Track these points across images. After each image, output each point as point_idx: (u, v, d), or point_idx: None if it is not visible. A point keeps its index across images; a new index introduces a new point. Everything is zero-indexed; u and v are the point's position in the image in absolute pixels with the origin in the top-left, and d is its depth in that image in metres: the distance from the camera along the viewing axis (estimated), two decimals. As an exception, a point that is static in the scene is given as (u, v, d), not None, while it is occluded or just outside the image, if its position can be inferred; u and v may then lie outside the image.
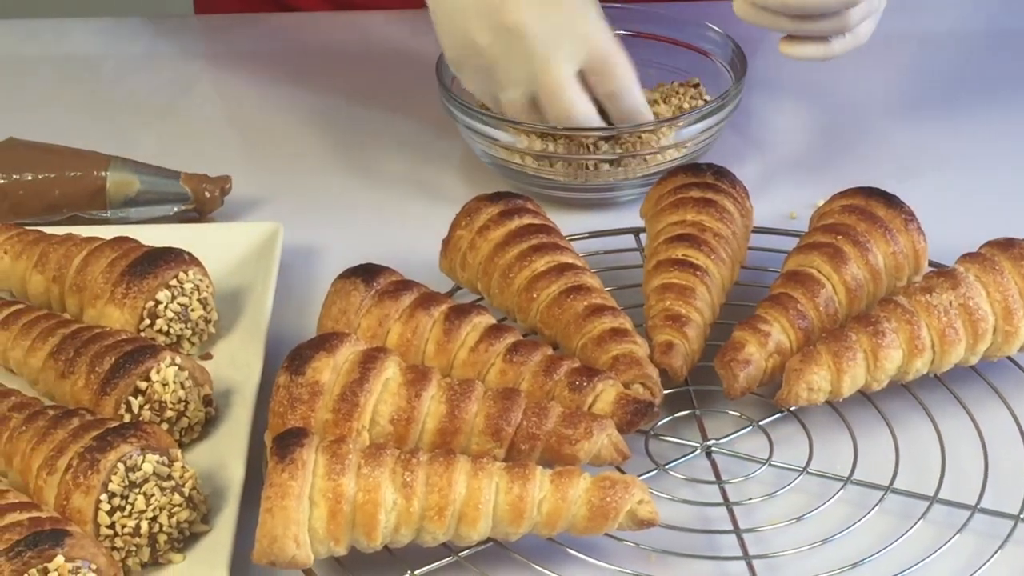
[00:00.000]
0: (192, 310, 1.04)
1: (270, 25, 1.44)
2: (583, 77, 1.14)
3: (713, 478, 0.96)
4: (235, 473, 0.94)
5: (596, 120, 1.14)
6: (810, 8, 1.09)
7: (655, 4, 1.32)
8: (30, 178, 1.16)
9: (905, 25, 1.45)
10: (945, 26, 1.45)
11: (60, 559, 0.83)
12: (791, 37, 1.12)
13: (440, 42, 1.16)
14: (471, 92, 1.19)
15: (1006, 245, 1.03)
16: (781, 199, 1.21)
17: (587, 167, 1.18)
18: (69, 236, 1.09)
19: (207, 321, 1.06)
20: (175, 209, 1.18)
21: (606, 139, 1.17)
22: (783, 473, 0.97)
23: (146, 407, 0.96)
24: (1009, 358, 1.03)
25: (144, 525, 0.89)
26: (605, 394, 0.96)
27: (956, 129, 1.30)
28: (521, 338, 0.99)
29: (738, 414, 1.01)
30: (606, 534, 0.89)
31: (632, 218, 1.17)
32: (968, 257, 1.03)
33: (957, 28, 1.44)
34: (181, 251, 1.05)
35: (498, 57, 1.12)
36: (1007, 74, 1.37)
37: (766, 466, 0.97)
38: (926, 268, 1.07)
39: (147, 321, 1.03)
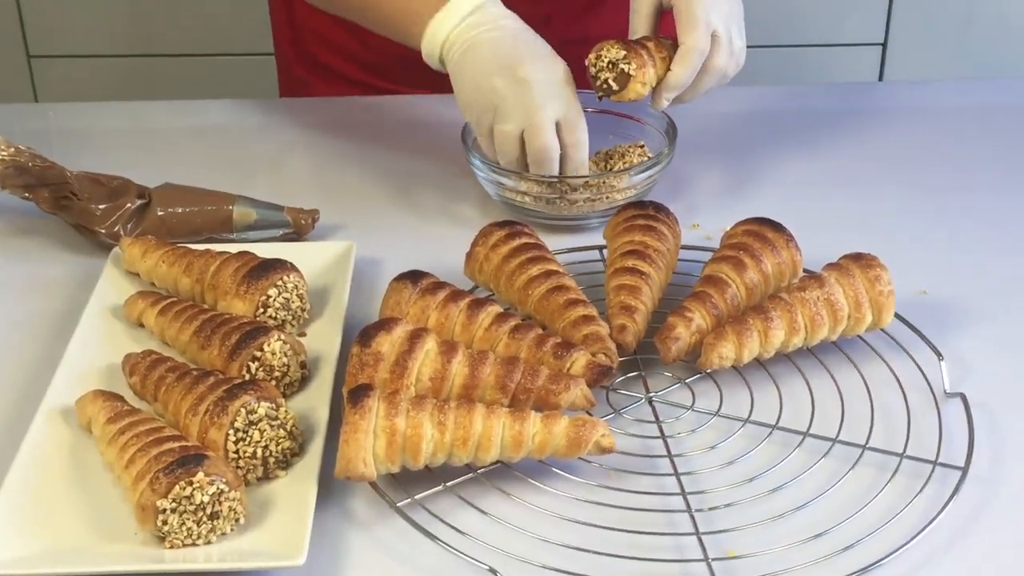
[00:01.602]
0: (292, 302, 1.04)
1: (341, 105, 1.44)
2: (556, 126, 1.13)
3: (653, 419, 0.96)
4: (322, 415, 0.94)
5: (557, 157, 1.14)
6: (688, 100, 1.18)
7: None
8: (180, 211, 1.16)
9: (788, 103, 1.46)
10: (819, 102, 1.45)
11: (201, 475, 0.83)
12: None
13: (457, 90, 1.16)
14: (471, 123, 1.18)
15: (856, 257, 1.03)
16: (700, 225, 1.21)
17: (567, 204, 1.18)
18: (207, 250, 1.09)
19: (303, 310, 1.06)
20: (280, 232, 1.17)
21: (583, 185, 1.17)
22: (702, 416, 0.97)
23: (260, 370, 0.96)
24: (859, 336, 1.03)
25: (259, 451, 0.89)
26: (578, 361, 0.96)
27: (824, 172, 1.30)
28: (520, 321, 0.99)
29: (671, 375, 1.01)
30: (579, 458, 0.90)
31: (597, 239, 1.17)
32: (830, 266, 1.03)
33: (822, 105, 1.45)
34: (285, 261, 1.05)
35: (507, 97, 1.12)
36: (862, 123, 1.37)
37: (690, 411, 0.97)
38: (801, 273, 1.07)
39: (261, 310, 1.03)
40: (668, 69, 1.14)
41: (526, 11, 1.19)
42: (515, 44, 1.14)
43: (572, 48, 1.22)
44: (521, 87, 1.12)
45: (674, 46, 1.15)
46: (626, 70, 1.12)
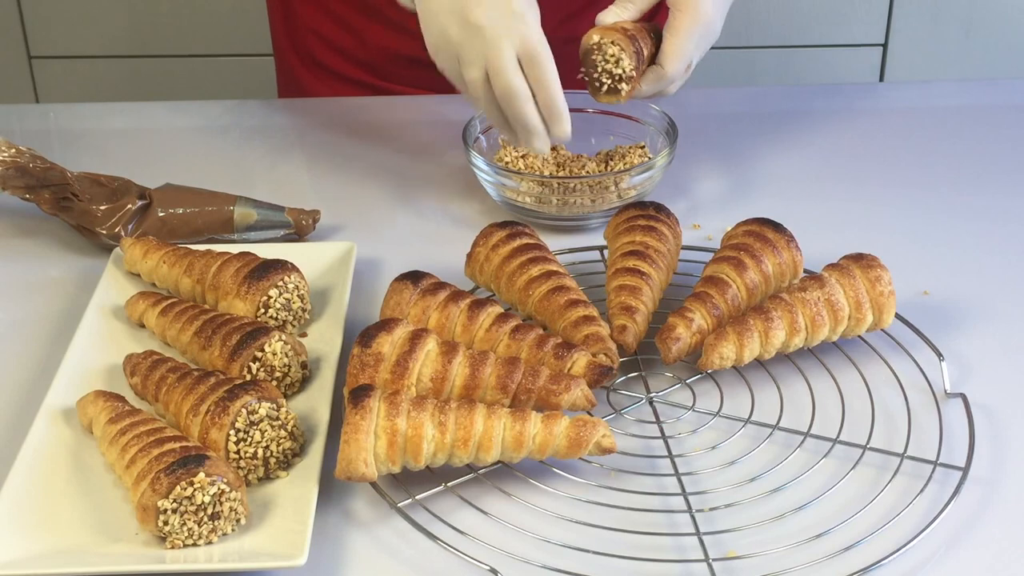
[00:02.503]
0: (293, 303, 1.05)
1: (341, 105, 1.44)
2: (520, 65, 1.09)
3: (654, 419, 0.96)
4: (323, 416, 0.95)
5: (527, 96, 1.09)
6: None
7: None
8: (181, 211, 1.16)
9: (788, 104, 1.46)
10: (819, 102, 1.45)
11: (202, 475, 0.83)
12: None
13: (425, 38, 1.13)
14: (444, 73, 1.14)
15: (857, 258, 1.03)
16: (701, 225, 1.21)
17: (567, 204, 1.18)
18: (208, 251, 1.09)
19: (304, 310, 1.06)
20: (281, 233, 1.17)
21: (588, 184, 1.17)
22: (703, 416, 0.97)
23: (261, 370, 0.96)
24: (859, 336, 1.03)
25: (260, 451, 0.89)
26: (579, 361, 0.96)
27: (824, 173, 1.30)
28: (521, 322, 0.99)
29: (671, 375, 1.01)
30: (580, 458, 0.90)
31: (598, 239, 1.17)
32: (831, 266, 1.03)
33: (822, 105, 1.45)
34: (286, 261, 1.05)
35: (463, 44, 1.09)
36: (862, 123, 1.37)
37: (690, 411, 0.97)
38: (801, 274, 1.07)
39: (262, 310, 1.03)
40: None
41: None
42: None
43: (563, 47, 1.21)
44: (473, 31, 1.08)
45: (657, 38, 1.15)
46: (622, 90, 1.12)
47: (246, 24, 2.42)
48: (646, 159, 1.24)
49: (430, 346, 0.94)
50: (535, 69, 1.08)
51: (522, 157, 1.23)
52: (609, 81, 1.11)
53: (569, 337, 0.99)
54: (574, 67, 1.14)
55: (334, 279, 1.10)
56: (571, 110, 1.17)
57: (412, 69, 1.22)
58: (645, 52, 1.14)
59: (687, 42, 1.13)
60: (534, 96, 1.09)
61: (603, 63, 1.11)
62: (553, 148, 1.25)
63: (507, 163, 1.22)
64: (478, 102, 1.12)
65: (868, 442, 0.93)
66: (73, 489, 0.89)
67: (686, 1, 1.12)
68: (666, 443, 0.93)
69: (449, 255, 1.13)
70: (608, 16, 1.14)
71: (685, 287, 1.08)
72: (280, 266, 1.04)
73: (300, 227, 1.17)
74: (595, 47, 1.11)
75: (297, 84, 1.51)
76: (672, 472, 0.91)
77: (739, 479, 0.90)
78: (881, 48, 2.46)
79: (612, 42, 1.10)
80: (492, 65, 1.08)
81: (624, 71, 1.11)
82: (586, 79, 1.13)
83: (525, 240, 1.07)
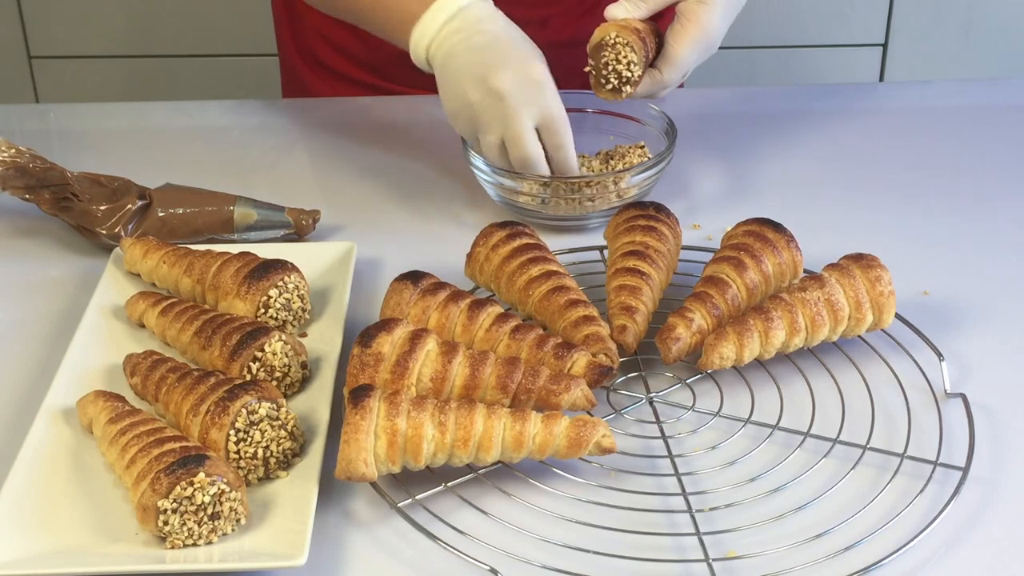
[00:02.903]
0: (293, 303, 1.05)
1: (341, 105, 1.44)
2: (538, 132, 1.13)
3: (654, 419, 0.96)
4: (323, 416, 0.95)
5: (543, 162, 1.13)
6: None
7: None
8: (181, 211, 1.16)
9: (788, 104, 1.46)
10: (819, 102, 1.45)
11: (202, 475, 0.83)
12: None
13: (442, 99, 1.15)
14: (460, 134, 1.17)
15: (857, 258, 1.03)
16: (701, 225, 1.21)
17: (567, 204, 1.18)
18: (208, 251, 1.09)
19: (304, 310, 1.06)
20: (281, 233, 1.17)
21: (583, 185, 1.17)
22: (703, 416, 0.97)
23: (261, 370, 0.96)
24: (859, 336, 1.03)
25: (260, 451, 0.89)
26: (579, 361, 0.96)
27: (824, 173, 1.30)
28: (521, 322, 0.99)
29: (671, 375, 1.01)
30: (580, 458, 0.90)
31: (598, 239, 1.17)
32: (831, 266, 1.03)
33: (822, 105, 1.45)
34: (286, 261, 1.05)
35: (483, 110, 1.11)
36: (863, 123, 1.37)
37: (690, 411, 0.97)
38: (802, 274, 1.07)
39: (262, 310, 1.03)
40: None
41: (523, 14, 1.19)
42: (490, 52, 1.12)
43: (570, 51, 1.22)
44: (494, 98, 1.10)
45: (658, 41, 1.16)
46: (624, 92, 1.12)
47: (246, 24, 2.42)
48: (646, 159, 1.24)
49: (430, 346, 0.94)
50: (555, 137, 1.12)
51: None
52: (616, 81, 1.12)
53: (569, 337, 0.99)
54: (577, 71, 1.14)
55: (334, 279, 1.10)
56: (570, 110, 1.18)
57: (414, 70, 1.22)
58: (649, 55, 1.14)
59: (690, 53, 1.14)
60: (550, 158, 1.13)
61: (614, 62, 1.11)
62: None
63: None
64: (493, 163, 1.15)
65: (868, 442, 0.93)
66: (73, 489, 0.89)
67: (695, 12, 1.13)
68: (666, 443, 0.93)
69: (449, 255, 1.13)
70: (618, 10, 1.14)
71: (685, 287, 1.08)
72: (280, 266, 1.04)
73: (300, 227, 1.17)
74: (610, 44, 1.11)
75: (301, 84, 1.51)
76: (672, 472, 0.91)
77: (739, 479, 0.90)
78: (881, 48, 2.46)
79: (627, 44, 1.11)
80: (512, 133, 1.11)
81: (633, 75, 1.11)
82: (592, 72, 1.13)
83: (525, 240, 1.07)
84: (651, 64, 1.15)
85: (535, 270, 1.04)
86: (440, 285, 1.01)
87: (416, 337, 0.94)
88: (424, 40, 1.15)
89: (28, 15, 2.43)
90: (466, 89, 1.11)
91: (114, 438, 0.89)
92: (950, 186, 1.28)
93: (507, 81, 1.10)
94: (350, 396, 0.88)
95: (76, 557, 0.83)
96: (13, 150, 1.16)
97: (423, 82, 1.42)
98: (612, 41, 1.11)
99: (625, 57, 1.11)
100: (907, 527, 0.86)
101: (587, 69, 1.14)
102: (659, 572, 0.84)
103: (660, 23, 1.18)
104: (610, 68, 1.12)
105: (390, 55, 1.41)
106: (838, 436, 0.94)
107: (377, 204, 1.25)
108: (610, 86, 1.12)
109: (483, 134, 1.13)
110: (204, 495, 0.83)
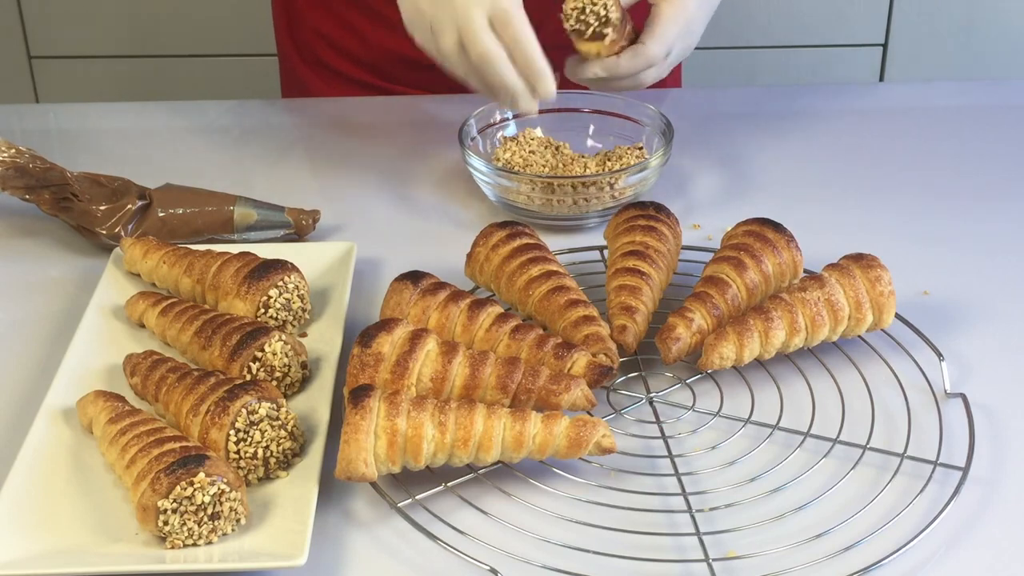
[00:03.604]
0: (293, 303, 1.05)
1: (341, 105, 1.44)
2: (492, 28, 1.08)
3: (654, 419, 0.96)
4: (323, 416, 0.95)
5: (504, 60, 1.08)
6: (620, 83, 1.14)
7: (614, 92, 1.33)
8: (181, 211, 1.16)
9: (788, 104, 1.46)
10: (819, 102, 1.45)
11: (202, 475, 0.83)
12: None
13: (402, 16, 1.13)
14: (421, 47, 1.14)
15: (857, 258, 1.03)
16: (701, 225, 1.21)
17: (564, 204, 1.18)
18: (208, 251, 1.09)
19: (304, 310, 1.06)
20: (281, 233, 1.17)
21: (583, 184, 1.17)
22: (703, 416, 0.97)
23: (261, 370, 0.96)
24: (859, 336, 1.03)
25: (260, 451, 0.89)
26: (579, 361, 0.96)
27: (824, 173, 1.30)
28: (521, 322, 0.99)
29: (671, 375, 1.01)
30: (580, 458, 0.90)
31: (598, 239, 1.17)
32: (831, 266, 1.03)
33: (822, 105, 1.45)
34: (286, 261, 1.05)
35: (435, 14, 1.09)
36: (862, 123, 1.37)
37: (690, 411, 0.97)
38: (802, 274, 1.07)
39: (262, 310, 1.03)
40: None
41: None
42: None
43: (563, 53, 1.22)
44: (443, 1, 1.07)
45: (633, 32, 1.16)
46: (606, 36, 1.12)
47: (246, 24, 2.42)
48: (643, 158, 1.24)
49: (430, 346, 0.94)
50: (509, 29, 1.07)
51: (521, 157, 1.23)
52: (595, 23, 1.11)
53: (569, 337, 0.99)
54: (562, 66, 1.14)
55: (334, 279, 1.10)
56: (567, 110, 1.18)
57: (414, 71, 1.22)
58: (628, 26, 1.14)
59: (671, 26, 1.14)
60: (512, 58, 1.08)
61: (590, 4, 1.11)
62: (555, 148, 1.25)
63: (506, 160, 1.22)
64: (456, 70, 1.11)
65: (868, 442, 0.93)
66: (73, 489, 0.89)
67: None
68: (666, 443, 0.93)
69: (449, 255, 1.13)
70: None
71: (685, 287, 1.08)
72: (280, 266, 1.04)
73: (300, 227, 1.17)
74: None
75: (300, 84, 1.51)
76: (672, 472, 0.91)
77: (739, 479, 0.90)
78: (881, 48, 2.46)
79: None
80: (464, 31, 1.07)
81: (611, 16, 1.11)
82: (569, 23, 1.12)
83: (525, 240, 1.07)
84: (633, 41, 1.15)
85: (535, 270, 1.04)
86: (440, 285, 1.01)
87: (416, 337, 0.94)
88: None
89: (28, 15, 2.43)
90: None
91: (114, 438, 0.89)
92: (950, 186, 1.28)
93: None
94: (350, 396, 0.88)
95: (76, 557, 0.83)
96: (13, 150, 1.16)
97: (422, 82, 1.42)
98: None
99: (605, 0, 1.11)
100: (907, 527, 0.86)
101: (566, 24, 1.12)
102: (659, 572, 0.84)
103: (635, 17, 1.18)
104: (587, 11, 1.11)
105: (388, 54, 1.41)
106: (838, 436, 0.94)
107: (377, 204, 1.25)
108: (589, 32, 1.12)
109: (440, 40, 1.09)
110: (204, 495, 0.83)
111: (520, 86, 1.09)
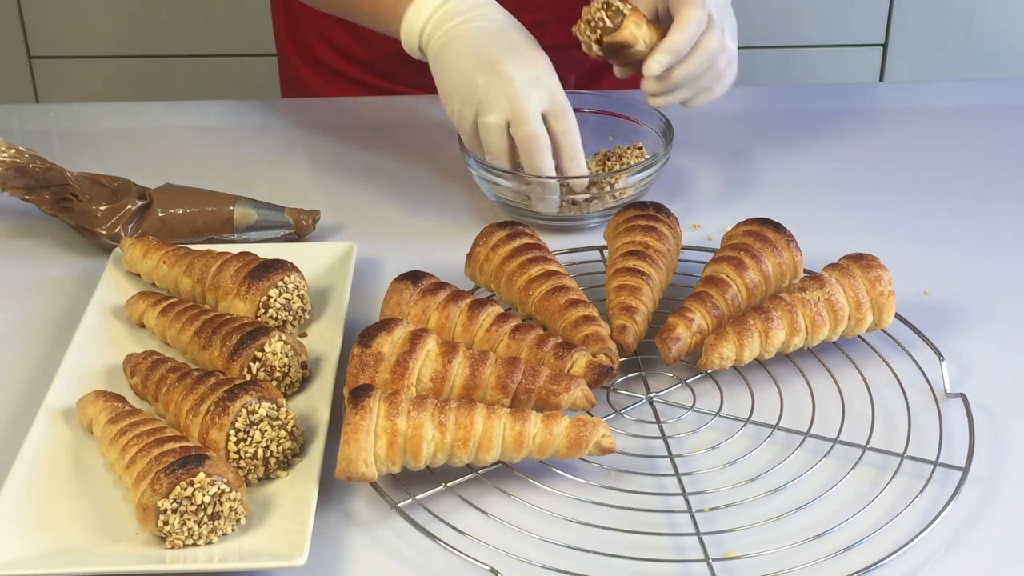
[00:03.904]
0: (293, 303, 1.05)
1: (341, 105, 1.44)
2: (544, 118, 1.12)
3: (654, 419, 0.96)
4: (323, 416, 0.95)
5: (547, 143, 1.12)
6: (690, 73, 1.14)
7: (614, 92, 1.33)
8: (181, 211, 1.16)
9: (788, 104, 1.46)
10: (819, 102, 1.45)
11: (202, 475, 0.83)
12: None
13: (440, 80, 1.15)
14: (451, 115, 1.16)
15: (857, 258, 1.03)
16: (701, 225, 1.21)
17: (564, 205, 1.18)
18: (208, 251, 1.09)
19: (304, 310, 1.06)
20: (281, 233, 1.17)
21: (580, 185, 1.17)
22: (703, 416, 0.97)
23: (261, 370, 0.96)
24: (859, 336, 1.03)
25: (260, 451, 0.89)
26: (579, 361, 0.96)
27: (824, 173, 1.30)
28: (521, 322, 0.99)
29: (671, 375, 1.01)
30: (580, 458, 0.90)
31: (598, 239, 1.17)
32: (831, 266, 1.03)
33: (822, 105, 1.45)
34: (286, 261, 1.05)
35: (489, 90, 1.11)
36: (862, 123, 1.37)
37: (690, 411, 0.97)
38: (802, 274, 1.07)
39: (262, 310, 1.03)
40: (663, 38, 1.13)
41: (520, 17, 1.18)
42: (495, 38, 1.13)
43: (566, 53, 1.22)
44: (503, 79, 1.10)
45: (667, 30, 1.15)
46: (621, 8, 1.12)
47: (246, 24, 2.42)
48: (644, 158, 1.24)
49: (430, 346, 0.94)
50: (562, 121, 1.12)
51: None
52: (607, 13, 1.12)
53: (569, 337, 0.99)
54: (572, 72, 1.15)
55: (334, 279, 1.10)
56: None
57: (414, 71, 1.22)
58: (645, 15, 1.14)
59: (697, 8, 1.12)
60: (558, 146, 1.13)
61: (604, 6, 1.13)
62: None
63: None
64: (487, 147, 1.14)
65: (868, 442, 0.93)
66: (73, 489, 0.89)
67: None
68: (666, 443, 0.93)
69: (449, 255, 1.13)
70: None
71: (685, 287, 1.08)
72: (280, 266, 1.04)
73: (300, 227, 1.17)
74: (584, 9, 1.14)
75: (300, 84, 1.51)
76: (672, 472, 0.91)
77: (739, 479, 0.90)
78: (881, 48, 2.46)
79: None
80: (519, 112, 1.11)
81: (624, 8, 1.12)
82: (591, 41, 1.14)
83: (525, 240, 1.07)
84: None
85: (535, 270, 1.04)
86: (440, 285, 1.01)
87: (416, 337, 0.94)
88: (419, 22, 1.15)
89: (28, 15, 2.43)
90: (471, 70, 1.11)
91: (114, 438, 0.89)
92: (950, 186, 1.28)
93: (516, 65, 1.11)
94: (350, 396, 0.88)
95: (76, 557, 0.83)
96: (13, 150, 1.16)
97: (421, 82, 1.42)
98: (585, 9, 1.13)
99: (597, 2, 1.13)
100: (907, 527, 0.86)
101: (588, 41, 1.14)
102: (659, 572, 0.84)
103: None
104: (597, 8, 1.13)
105: (388, 54, 1.41)
106: (838, 436, 0.94)
107: (377, 204, 1.25)
108: (609, 19, 1.12)
109: (485, 115, 1.12)
110: (204, 495, 0.83)
111: (553, 176, 1.14)
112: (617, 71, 1.19)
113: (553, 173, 1.14)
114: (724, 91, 1.19)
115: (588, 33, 1.14)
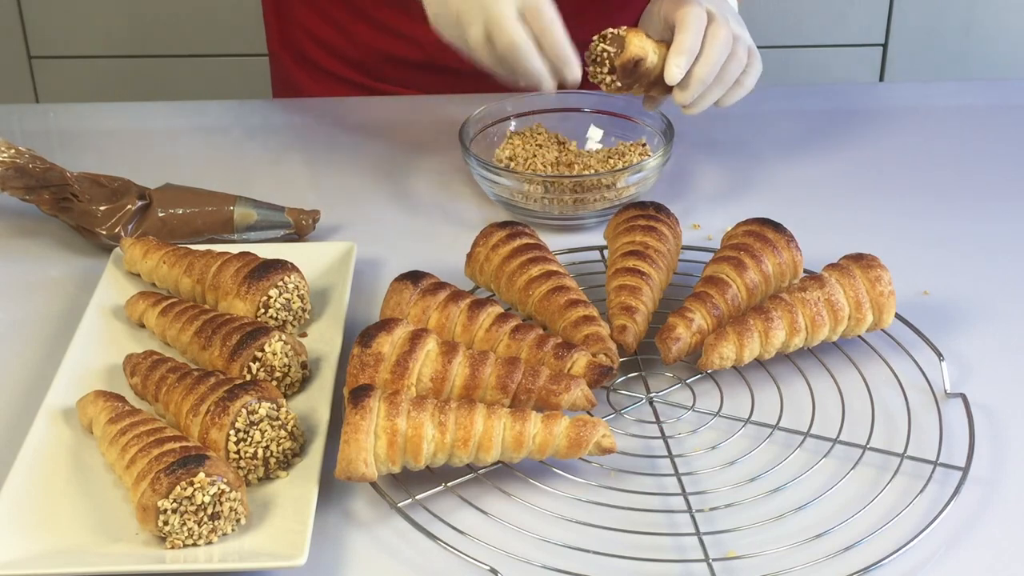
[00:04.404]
0: (293, 303, 1.05)
1: (341, 106, 1.44)
2: (522, 18, 1.08)
3: (654, 419, 0.96)
4: (323, 416, 0.95)
5: (532, 51, 1.08)
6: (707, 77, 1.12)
7: (618, 95, 1.32)
8: (181, 212, 1.16)
9: (788, 104, 1.46)
10: (819, 102, 1.45)
11: (202, 475, 0.83)
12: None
13: (426, 10, 1.13)
14: (449, 42, 1.14)
15: (857, 258, 1.03)
16: (701, 226, 1.21)
17: (564, 204, 1.18)
18: (208, 251, 1.09)
19: (304, 310, 1.06)
20: (281, 233, 1.17)
21: (583, 183, 1.17)
22: (703, 416, 0.97)
23: (261, 370, 0.96)
24: (859, 336, 1.03)
25: (260, 451, 0.89)
26: (579, 361, 0.96)
27: (824, 173, 1.30)
28: (521, 322, 0.99)
29: (671, 375, 1.01)
30: (580, 458, 0.90)
31: (598, 239, 1.17)
32: (831, 266, 1.03)
33: (822, 105, 1.45)
34: (286, 261, 1.05)
35: (462, 5, 1.09)
36: (862, 124, 1.37)
37: (690, 411, 0.97)
38: (802, 274, 1.07)
39: (262, 310, 1.03)
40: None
41: None
42: None
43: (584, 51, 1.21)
44: None
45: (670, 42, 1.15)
46: (617, 32, 1.12)
47: (246, 24, 2.42)
48: (646, 157, 1.24)
49: (430, 346, 0.94)
50: (538, 19, 1.08)
51: (525, 149, 1.23)
52: (609, 45, 1.12)
53: (569, 337, 0.99)
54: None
55: (334, 279, 1.10)
56: (570, 110, 1.17)
57: (402, 70, 1.22)
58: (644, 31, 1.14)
59: (695, 5, 1.11)
60: (540, 46, 1.08)
61: (594, 47, 1.13)
62: (561, 143, 1.26)
63: (507, 158, 1.22)
64: (483, 61, 1.11)
65: (868, 442, 0.93)
66: (73, 489, 0.89)
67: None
68: (666, 443, 0.93)
69: (449, 255, 1.13)
70: None
71: (685, 287, 1.08)
72: (280, 266, 1.04)
73: (300, 227, 1.17)
74: (588, 49, 1.13)
75: (291, 83, 1.51)
76: (672, 472, 0.91)
77: (739, 479, 0.90)
78: (881, 48, 2.46)
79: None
80: (493, 21, 1.07)
81: (619, 31, 1.12)
82: (604, 78, 1.14)
83: (525, 240, 1.07)
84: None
85: (535, 270, 1.04)
86: (440, 285, 1.01)
87: (416, 337, 0.94)
88: None
89: (28, 15, 2.43)
90: None
91: (114, 438, 0.89)
92: (950, 186, 1.28)
93: None
94: (350, 396, 0.88)
95: (76, 557, 0.83)
96: (13, 150, 1.16)
97: (410, 81, 1.42)
98: (589, 49, 1.13)
99: (597, 39, 1.12)
100: (907, 527, 0.86)
101: (601, 78, 1.14)
102: (659, 572, 0.84)
103: None
104: (597, 43, 1.13)
105: (378, 54, 1.41)
106: (838, 436, 0.94)
107: (377, 204, 1.25)
108: (611, 45, 1.12)
109: (467, 29, 1.09)
110: (204, 495, 0.83)
111: (544, 72, 1.09)
112: (646, 104, 1.18)
113: (542, 70, 1.09)
114: (754, 82, 1.17)
115: (599, 70, 1.14)
